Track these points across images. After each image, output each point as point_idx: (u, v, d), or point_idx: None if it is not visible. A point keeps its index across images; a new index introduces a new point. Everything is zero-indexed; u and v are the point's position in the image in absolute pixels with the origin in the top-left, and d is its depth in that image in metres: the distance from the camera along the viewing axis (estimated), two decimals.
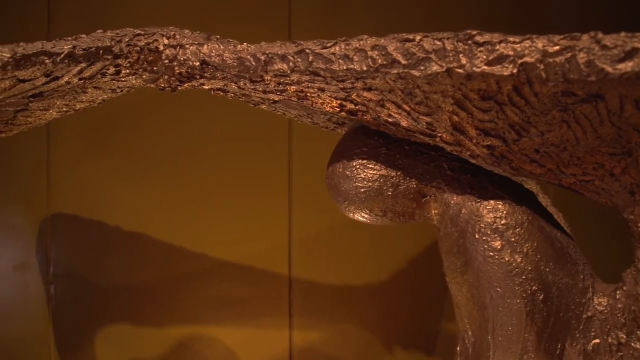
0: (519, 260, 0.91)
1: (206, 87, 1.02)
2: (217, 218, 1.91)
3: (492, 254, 0.93)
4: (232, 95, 1.08)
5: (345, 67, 0.79)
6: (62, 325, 1.94)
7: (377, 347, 1.96)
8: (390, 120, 0.86)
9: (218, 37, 0.95)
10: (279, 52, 0.84)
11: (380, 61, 0.76)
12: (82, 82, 0.97)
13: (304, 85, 0.87)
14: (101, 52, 0.92)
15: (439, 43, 0.73)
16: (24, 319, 1.95)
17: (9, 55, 0.85)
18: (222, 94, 1.08)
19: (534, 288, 0.92)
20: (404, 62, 0.75)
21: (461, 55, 0.72)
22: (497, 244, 0.92)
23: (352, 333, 1.95)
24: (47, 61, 0.88)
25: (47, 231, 1.93)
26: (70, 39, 0.93)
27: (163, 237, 1.91)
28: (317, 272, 1.93)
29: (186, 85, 0.99)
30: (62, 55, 0.89)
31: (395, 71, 0.76)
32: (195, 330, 1.94)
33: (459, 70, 0.72)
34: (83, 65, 0.92)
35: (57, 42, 0.91)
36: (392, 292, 1.95)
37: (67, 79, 0.95)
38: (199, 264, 1.91)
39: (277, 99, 0.98)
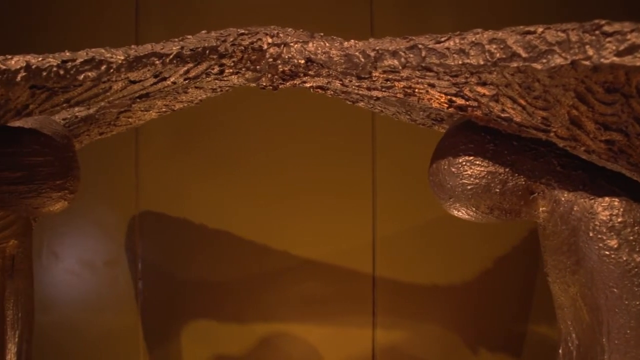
0: (638, 259, 0.87)
1: (307, 85, 1.02)
2: (301, 216, 1.91)
3: (607, 252, 0.89)
4: (332, 92, 1.08)
5: (460, 62, 0.77)
6: (149, 320, 1.99)
7: (461, 347, 1.93)
8: (503, 115, 0.84)
9: (322, 34, 0.95)
10: (390, 48, 0.83)
11: (498, 55, 0.74)
12: (187, 81, 0.99)
13: (413, 81, 0.85)
14: (207, 51, 0.93)
15: (562, 34, 0.70)
16: (113, 313, 2.01)
17: (122, 58, 0.87)
18: (321, 91, 1.08)
19: None
20: (524, 55, 0.72)
21: (587, 47, 0.69)
22: (614, 243, 0.88)
23: (435, 333, 1.93)
24: (157, 62, 0.90)
25: (136, 229, 1.98)
26: (176, 40, 0.95)
27: (247, 235, 1.93)
28: (401, 271, 1.91)
29: (288, 83, 0.99)
30: (171, 56, 0.91)
31: (515, 64, 0.73)
32: (278, 328, 1.95)
33: (585, 62, 0.69)
34: (190, 65, 0.94)
35: (165, 43, 0.93)
36: (477, 291, 1.91)
37: (173, 79, 0.97)
38: (283, 262, 1.92)
39: (379, 96, 0.97)
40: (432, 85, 0.85)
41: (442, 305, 1.92)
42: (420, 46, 0.80)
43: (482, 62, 0.76)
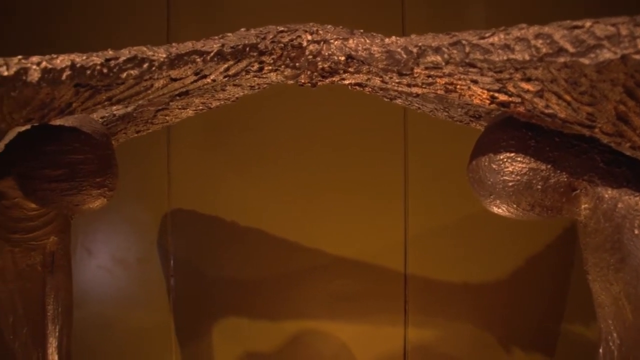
0: None
1: (346, 82, 1.02)
2: (333, 213, 1.92)
3: None
4: (369, 89, 1.08)
5: (505, 57, 0.76)
6: (181, 316, 2.01)
7: (493, 346, 1.91)
8: (547, 111, 0.83)
9: (361, 31, 0.95)
10: (432, 44, 0.82)
11: (544, 50, 0.73)
12: (226, 79, 0.99)
13: (455, 77, 0.85)
14: (247, 49, 0.94)
15: (612, 28, 0.69)
16: (145, 310, 2.03)
17: (164, 55, 0.88)
18: (358, 88, 1.08)
19: None
20: (571, 49, 0.71)
21: (638, 40, 0.68)
22: None
23: (468, 331, 1.92)
24: (198, 60, 0.91)
25: (167, 226, 2.00)
26: (216, 37, 0.95)
27: (279, 232, 1.94)
28: (432, 269, 1.90)
29: (327, 80, 0.99)
30: (212, 54, 0.91)
31: (562, 60, 0.72)
32: (309, 325, 1.96)
33: (636, 57, 0.68)
34: (230, 62, 0.94)
35: (206, 41, 0.93)
36: (510, 290, 1.90)
37: (213, 76, 0.97)
38: (314, 260, 1.92)
39: (419, 93, 0.97)
40: (475, 82, 0.85)
41: (475, 303, 1.91)
42: (464, 42, 0.79)
43: (527, 58, 0.75)
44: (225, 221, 1.96)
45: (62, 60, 0.85)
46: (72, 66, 0.85)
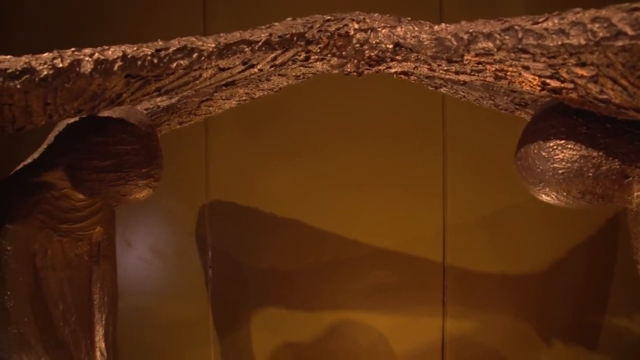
0: None
1: (392, 70, 1.02)
2: (371, 205, 1.91)
3: None
4: (415, 78, 1.08)
5: (559, 42, 0.75)
6: (219, 307, 2.03)
7: (533, 339, 1.89)
8: (601, 97, 0.82)
9: (409, 18, 0.94)
10: (484, 30, 0.81)
11: (601, 34, 0.72)
12: (273, 69, 1.00)
13: (506, 63, 0.84)
14: (295, 38, 0.94)
15: None
16: (184, 301, 2.06)
17: (213, 45, 0.89)
18: (404, 77, 1.07)
19: None
20: (630, 32, 0.70)
21: None
22: None
23: (506, 323, 1.90)
24: (246, 49, 0.91)
25: (206, 217, 2.02)
26: (264, 27, 0.95)
27: (316, 223, 1.94)
28: (471, 260, 1.89)
29: (374, 68, 0.99)
30: (260, 43, 0.91)
31: (620, 43, 0.71)
32: (347, 316, 1.96)
33: None
34: (277, 52, 0.94)
35: (253, 31, 0.94)
36: (550, 282, 1.88)
37: (260, 66, 0.98)
38: (352, 250, 1.93)
39: (466, 80, 0.96)
40: (526, 68, 0.83)
41: (514, 294, 1.89)
42: (516, 27, 0.78)
43: (583, 42, 0.74)
44: (263, 212, 1.97)
45: (113, 52, 0.87)
46: (124, 57, 0.86)
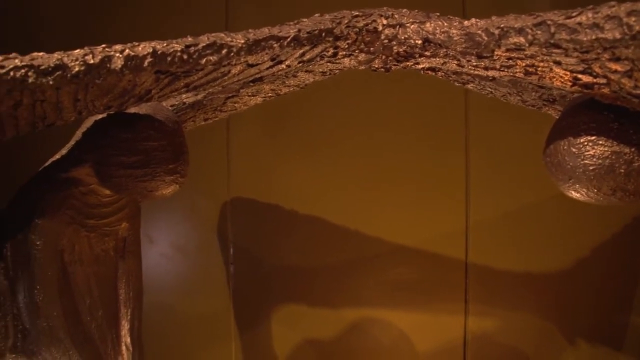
0: None
1: (419, 66, 1.01)
2: (393, 202, 1.91)
3: None
4: (442, 74, 1.07)
5: (593, 37, 0.74)
6: (240, 303, 2.04)
7: (556, 338, 1.88)
8: (635, 92, 0.81)
9: (437, 14, 0.94)
10: (515, 25, 0.81)
11: (637, 27, 0.71)
12: (301, 64, 1.00)
13: (537, 59, 0.83)
14: (323, 34, 0.94)
15: None
16: (205, 297, 2.07)
17: (242, 41, 0.89)
18: (431, 73, 1.07)
19: None
20: None
21: None
22: None
23: (530, 322, 1.89)
24: (275, 45, 0.91)
25: (227, 214, 2.02)
26: (291, 23, 0.95)
27: (338, 220, 1.94)
28: (494, 258, 1.88)
29: (402, 64, 0.99)
30: (289, 39, 0.92)
31: None
32: (368, 313, 1.96)
33: None
34: (306, 48, 0.94)
35: (282, 27, 0.94)
36: (574, 280, 1.86)
37: (288, 62, 0.98)
38: (374, 248, 1.92)
39: (495, 76, 0.95)
40: (558, 63, 0.83)
41: (537, 293, 1.88)
42: (549, 22, 0.78)
43: (618, 36, 0.73)
44: (284, 209, 1.97)
45: (143, 48, 0.87)
46: (154, 53, 0.87)
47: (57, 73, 0.82)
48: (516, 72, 0.90)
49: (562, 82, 0.88)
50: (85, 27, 2.00)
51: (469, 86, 1.13)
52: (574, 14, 0.76)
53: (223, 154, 2.01)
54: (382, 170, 1.91)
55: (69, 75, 0.83)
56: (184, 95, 1.26)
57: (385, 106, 1.90)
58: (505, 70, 0.91)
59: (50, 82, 0.83)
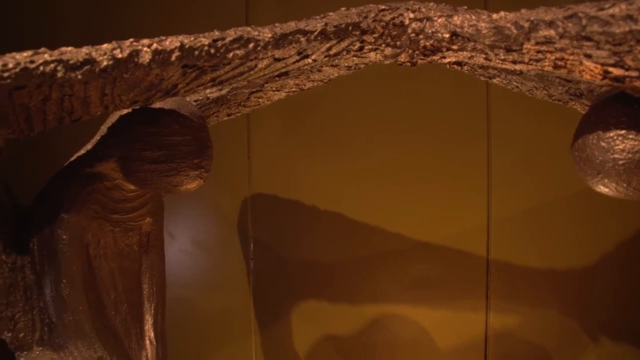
0: None
1: (446, 60, 1.01)
2: (414, 197, 1.90)
3: None
4: (468, 68, 1.07)
5: (626, 29, 0.73)
6: (261, 299, 2.04)
7: (579, 335, 1.86)
8: None
9: (465, 7, 0.93)
10: (545, 18, 0.80)
11: None
12: (327, 59, 1.00)
13: (567, 52, 0.82)
14: (350, 28, 0.94)
15: None
16: (225, 292, 2.08)
17: (269, 35, 0.89)
18: (457, 67, 1.06)
19: None
20: None
21: None
22: None
23: (552, 319, 1.87)
24: (302, 39, 0.91)
25: (248, 210, 2.03)
26: (318, 17, 0.95)
27: (358, 216, 1.94)
28: (516, 254, 1.87)
29: (428, 58, 0.98)
30: (316, 33, 0.91)
31: None
32: (389, 309, 1.95)
33: None
34: (333, 42, 0.94)
35: (308, 21, 0.94)
36: (596, 277, 1.84)
37: (315, 56, 0.97)
38: (395, 244, 1.92)
39: (523, 70, 0.94)
40: (589, 56, 0.82)
41: (559, 289, 1.86)
42: (580, 14, 0.77)
43: None
44: (304, 205, 1.97)
45: (171, 42, 0.87)
46: (181, 47, 0.87)
47: (86, 67, 0.83)
48: (545, 66, 0.89)
49: (591, 76, 0.87)
50: (103, 23, 2.01)
51: (495, 80, 1.12)
52: (606, 6, 0.75)
53: (244, 150, 2.01)
54: (403, 166, 1.91)
55: (97, 69, 0.83)
56: (207, 91, 1.26)
57: (406, 102, 1.90)
58: (534, 63, 0.90)
59: (79, 77, 0.83)
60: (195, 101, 1.29)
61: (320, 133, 1.95)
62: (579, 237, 1.84)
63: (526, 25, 0.82)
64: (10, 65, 0.77)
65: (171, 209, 2.03)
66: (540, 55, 0.86)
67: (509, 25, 0.84)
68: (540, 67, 0.91)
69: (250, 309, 2.05)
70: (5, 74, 0.77)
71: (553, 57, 0.86)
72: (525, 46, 0.85)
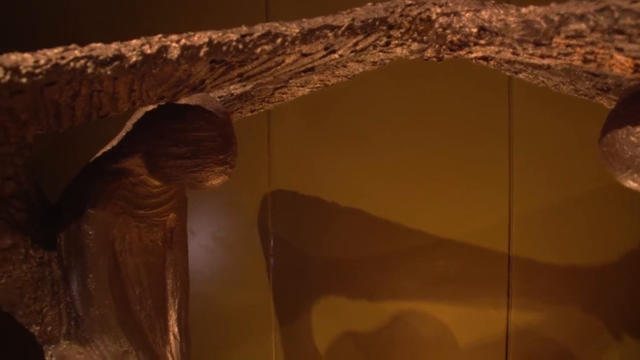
0: None
1: (472, 55, 1.00)
2: (435, 194, 1.90)
3: None
4: (494, 63, 1.06)
5: None
6: (281, 295, 2.05)
7: (601, 332, 1.85)
8: None
9: (493, 1, 0.93)
10: (576, 12, 0.79)
11: None
12: (353, 54, 1.00)
13: (598, 45, 0.82)
14: (377, 23, 0.93)
15: None
16: (245, 289, 2.08)
17: (297, 30, 0.89)
18: (483, 62, 1.06)
19: None
20: None
21: None
22: None
23: (574, 316, 1.86)
24: (329, 34, 0.91)
25: (268, 207, 2.03)
26: (344, 12, 0.95)
27: (379, 213, 1.94)
28: (537, 251, 1.86)
29: (455, 53, 0.98)
30: (343, 28, 0.91)
31: None
32: (409, 306, 1.95)
33: None
34: (359, 37, 0.94)
35: (335, 16, 0.94)
36: (619, 274, 1.83)
37: (341, 51, 0.97)
38: (416, 240, 1.92)
39: (550, 64, 0.94)
40: (620, 50, 0.81)
41: (581, 287, 1.85)
42: (612, 7, 0.76)
43: None
44: (325, 202, 1.98)
45: (199, 37, 0.87)
46: (210, 42, 0.87)
47: (115, 63, 0.83)
48: (574, 60, 0.89)
49: (622, 70, 0.86)
50: (120, 20, 2.02)
51: (521, 75, 1.11)
52: None
53: (264, 147, 2.01)
54: (424, 162, 1.90)
55: (126, 65, 0.84)
56: (231, 87, 1.27)
57: (427, 98, 1.89)
58: (563, 58, 0.89)
59: (109, 73, 0.83)
60: (219, 97, 1.29)
61: (340, 129, 1.95)
62: (601, 234, 1.83)
63: (556, 19, 0.81)
64: (42, 62, 0.78)
65: (192, 205, 2.02)
66: (569, 50, 0.86)
67: (538, 19, 0.83)
68: (569, 62, 0.90)
69: (270, 305, 2.05)
70: (37, 70, 0.77)
71: (583, 51, 0.85)
72: (554, 40, 0.84)
